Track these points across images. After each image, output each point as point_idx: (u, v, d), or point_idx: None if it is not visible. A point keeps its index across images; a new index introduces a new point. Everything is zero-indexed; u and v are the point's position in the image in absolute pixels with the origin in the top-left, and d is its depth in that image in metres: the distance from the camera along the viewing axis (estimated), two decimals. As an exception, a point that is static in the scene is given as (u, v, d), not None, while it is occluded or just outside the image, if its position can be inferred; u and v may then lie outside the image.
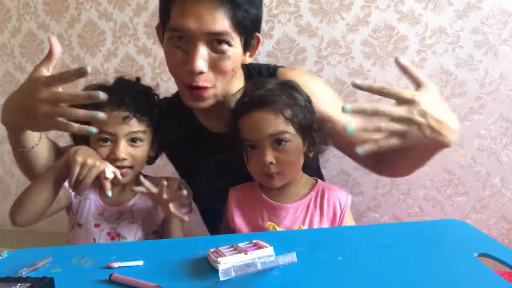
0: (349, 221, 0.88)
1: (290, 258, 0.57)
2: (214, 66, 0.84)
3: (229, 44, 0.82)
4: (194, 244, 0.70)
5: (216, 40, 0.81)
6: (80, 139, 0.95)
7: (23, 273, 0.62)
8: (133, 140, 0.92)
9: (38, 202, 0.85)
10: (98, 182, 0.93)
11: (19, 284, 0.54)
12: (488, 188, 1.37)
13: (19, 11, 1.78)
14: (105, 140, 0.90)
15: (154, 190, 0.87)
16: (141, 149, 0.94)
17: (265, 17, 1.45)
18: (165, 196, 0.86)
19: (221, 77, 0.86)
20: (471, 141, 1.35)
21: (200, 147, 0.98)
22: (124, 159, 0.91)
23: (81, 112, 0.70)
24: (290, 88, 0.86)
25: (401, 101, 0.64)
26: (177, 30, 0.82)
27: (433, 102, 0.66)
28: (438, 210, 1.43)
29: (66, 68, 1.88)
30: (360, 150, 0.62)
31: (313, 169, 0.98)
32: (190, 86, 0.85)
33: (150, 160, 1.03)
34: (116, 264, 0.63)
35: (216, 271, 0.57)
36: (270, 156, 0.81)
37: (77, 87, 1.19)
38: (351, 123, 0.60)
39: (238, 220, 0.88)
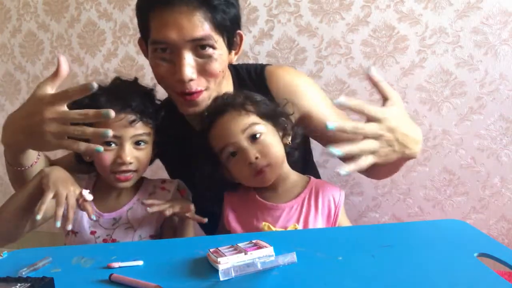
0: (342, 217, 0.88)
1: (290, 258, 0.57)
2: (203, 71, 0.84)
3: (213, 47, 0.82)
4: (194, 244, 0.70)
5: (199, 46, 0.81)
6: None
7: (23, 273, 0.62)
8: (137, 143, 0.90)
9: (12, 222, 0.84)
10: (92, 187, 0.94)
11: (19, 284, 0.54)
12: (488, 188, 1.37)
13: (19, 11, 1.78)
14: (109, 143, 0.87)
15: (163, 207, 0.88)
16: (145, 152, 0.92)
17: (265, 17, 1.46)
18: (177, 210, 0.88)
19: (213, 80, 0.86)
20: (471, 141, 1.35)
21: (192, 150, 0.99)
22: (130, 163, 0.88)
23: (89, 131, 0.68)
24: (245, 89, 0.90)
25: (372, 119, 0.66)
26: (159, 42, 0.82)
27: (400, 117, 0.69)
28: (438, 210, 1.43)
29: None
30: (335, 151, 0.63)
31: (303, 164, 0.99)
32: (183, 93, 0.85)
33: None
34: (116, 264, 0.63)
35: (216, 271, 0.57)
36: (253, 152, 0.81)
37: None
38: (332, 124, 0.63)
39: (233, 222, 0.89)
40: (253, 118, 0.83)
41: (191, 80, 0.83)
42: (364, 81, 1.40)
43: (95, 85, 0.66)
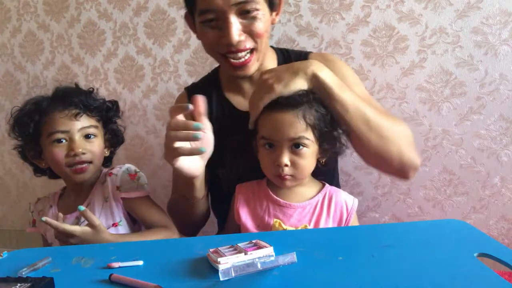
0: (354, 224, 0.89)
1: (290, 258, 0.57)
2: (249, 32, 0.89)
3: (257, 9, 0.87)
4: (194, 244, 0.70)
5: (244, 9, 0.86)
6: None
7: (23, 273, 0.62)
8: (87, 137, 0.97)
9: None
10: (55, 196, 1.02)
11: (19, 284, 0.54)
12: (488, 188, 1.37)
13: (19, 11, 1.78)
14: (60, 140, 0.94)
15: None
16: (97, 144, 0.99)
17: (265, 17, 1.46)
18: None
19: (259, 40, 0.91)
20: (471, 141, 1.35)
21: (228, 126, 0.99)
22: (83, 153, 0.94)
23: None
24: (313, 94, 0.85)
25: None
26: (206, 11, 0.87)
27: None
28: (438, 210, 1.43)
29: (66, 68, 1.88)
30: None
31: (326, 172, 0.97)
32: (232, 63, 0.91)
33: (106, 161, 1.07)
34: (116, 264, 0.64)
35: (216, 271, 0.57)
36: (286, 158, 0.82)
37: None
38: None
39: (244, 216, 0.89)
40: (307, 132, 0.82)
41: (238, 42, 0.88)
42: (365, 80, 1.40)
43: (190, 106, 0.74)
